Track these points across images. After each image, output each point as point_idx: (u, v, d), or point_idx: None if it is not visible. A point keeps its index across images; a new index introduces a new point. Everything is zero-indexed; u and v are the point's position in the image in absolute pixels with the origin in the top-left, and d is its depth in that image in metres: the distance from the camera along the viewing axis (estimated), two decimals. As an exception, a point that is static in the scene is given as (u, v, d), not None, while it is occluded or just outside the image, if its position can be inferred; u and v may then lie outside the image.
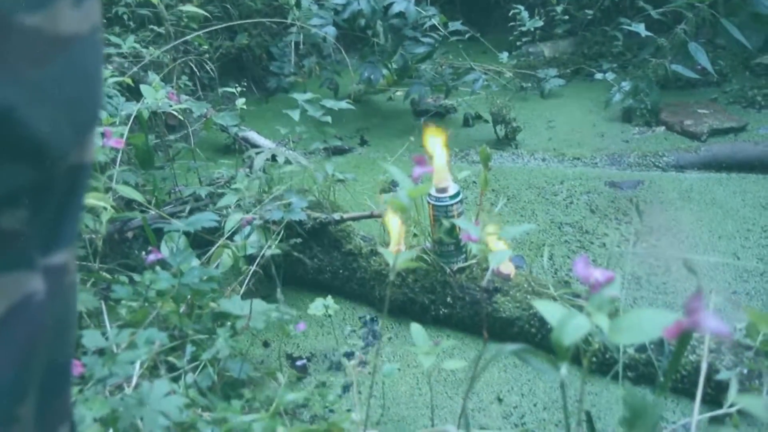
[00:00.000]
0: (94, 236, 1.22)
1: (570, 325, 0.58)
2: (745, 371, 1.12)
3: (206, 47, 2.34)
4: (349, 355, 1.36)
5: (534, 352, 0.65)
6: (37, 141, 0.31)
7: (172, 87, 1.88)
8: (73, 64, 0.34)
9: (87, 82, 0.36)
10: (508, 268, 1.36)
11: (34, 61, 0.31)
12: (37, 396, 0.35)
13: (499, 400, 1.22)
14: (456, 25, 2.51)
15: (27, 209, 0.32)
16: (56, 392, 0.38)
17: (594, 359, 1.24)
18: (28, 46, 0.30)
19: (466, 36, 2.56)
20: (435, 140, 1.25)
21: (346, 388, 1.28)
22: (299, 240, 1.44)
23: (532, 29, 2.90)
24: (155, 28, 2.35)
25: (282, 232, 1.41)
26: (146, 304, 1.11)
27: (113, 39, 2.02)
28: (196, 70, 2.39)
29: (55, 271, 0.36)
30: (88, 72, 0.36)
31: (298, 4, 2.56)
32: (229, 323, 1.13)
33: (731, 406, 0.86)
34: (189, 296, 1.14)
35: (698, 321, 0.41)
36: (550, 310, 0.62)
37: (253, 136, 2.25)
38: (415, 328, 0.91)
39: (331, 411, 1.19)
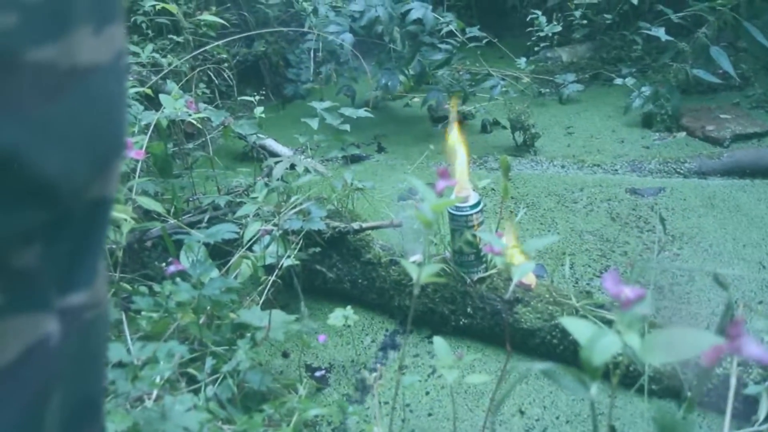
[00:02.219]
0: (114, 247, 1.22)
1: (600, 343, 0.57)
2: (775, 385, 1.09)
3: (224, 55, 2.34)
4: (369, 367, 1.35)
5: (561, 368, 0.64)
6: (47, 181, 0.29)
7: (191, 95, 1.89)
8: (91, 96, 0.32)
9: (108, 113, 0.34)
10: (529, 278, 1.34)
11: (44, 96, 0.29)
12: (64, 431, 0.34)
13: (521, 412, 1.21)
14: (473, 31, 2.49)
15: (41, 247, 0.31)
16: (85, 425, 0.37)
17: (617, 371, 1.22)
18: (38, 82, 0.28)
19: (484, 41, 2.55)
20: (457, 150, 1.25)
21: (366, 400, 1.27)
22: (318, 249, 1.44)
23: (550, 34, 2.88)
24: (174, 36, 2.36)
25: (301, 241, 1.41)
26: (166, 315, 1.11)
27: (132, 48, 2.03)
28: (214, 78, 2.40)
29: (72, 312, 0.34)
30: (110, 102, 0.34)
31: (315, 12, 2.57)
32: (248, 334, 1.12)
33: (763, 422, 0.84)
34: (209, 307, 1.14)
35: (739, 347, 0.39)
36: (578, 328, 0.61)
37: (270, 143, 2.25)
38: (438, 341, 0.90)
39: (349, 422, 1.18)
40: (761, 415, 0.87)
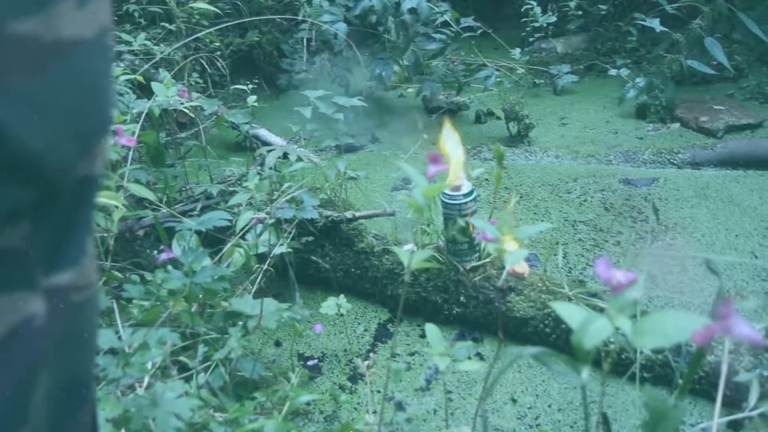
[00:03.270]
0: (105, 235, 1.22)
1: (591, 328, 0.57)
2: (765, 373, 1.09)
3: (217, 44, 2.33)
4: (362, 355, 1.35)
5: (552, 354, 0.64)
6: (32, 158, 0.29)
7: (183, 84, 1.87)
8: (75, 71, 0.31)
9: (93, 89, 0.33)
10: (522, 267, 1.34)
11: (27, 71, 0.28)
12: (52, 415, 0.34)
13: (513, 400, 1.21)
14: (468, 21, 2.49)
15: (28, 225, 0.30)
16: (75, 408, 0.36)
17: (609, 359, 1.22)
18: (20, 56, 0.28)
19: (478, 32, 2.54)
20: (450, 138, 1.24)
21: (358, 388, 1.27)
22: (311, 238, 1.43)
23: (545, 25, 2.87)
24: (166, 25, 2.34)
25: (294, 230, 1.40)
26: (158, 303, 1.10)
27: (124, 36, 2.01)
28: (207, 67, 2.38)
29: (58, 292, 0.33)
30: (94, 78, 0.33)
31: (308, 1, 2.55)
32: (240, 323, 1.12)
33: (753, 409, 0.85)
34: (201, 295, 1.13)
35: (729, 327, 0.39)
36: (569, 313, 0.61)
37: (263, 133, 2.24)
38: (431, 329, 0.90)
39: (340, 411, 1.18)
40: (751, 402, 0.87)
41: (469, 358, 1.31)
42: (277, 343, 1.39)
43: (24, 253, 0.31)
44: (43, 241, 0.32)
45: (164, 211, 1.46)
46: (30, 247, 0.31)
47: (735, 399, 1.05)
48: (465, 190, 1.29)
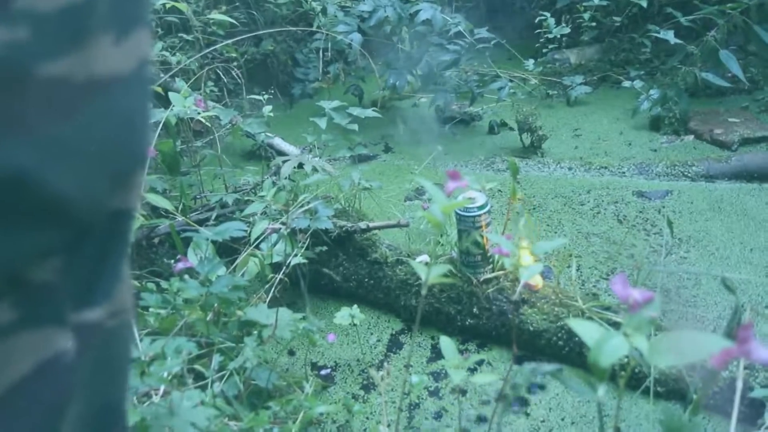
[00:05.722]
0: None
1: (608, 346, 0.57)
2: (781, 389, 1.09)
3: (233, 54, 2.35)
4: (375, 365, 1.35)
5: (567, 369, 0.64)
6: (62, 200, 0.28)
7: (200, 94, 1.89)
8: (110, 108, 0.30)
9: (129, 124, 0.32)
10: (535, 280, 1.34)
11: (57, 113, 0.27)
12: None
13: (527, 414, 1.21)
14: (482, 32, 2.49)
15: (60, 260, 0.30)
16: (108, 429, 0.37)
17: (623, 372, 1.22)
18: (50, 98, 0.26)
19: (492, 43, 2.55)
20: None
21: (371, 398, 1.27)
22: (325, 248, 1.44)
23: (559, 36, 2.88)
24: (183, 35, 2.37)
25: (308, 240, 1.41)
26: (174, 312, 1.12)
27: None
28: (222, 76, 2.41)
29: (89, 328, 0.32)
30: (131, 113, 0.32)
31: (323, 11, 2.57)
32: (255, 332, 1.13)
33: (769, 427, 0.84)
34: (216, 304, 1.14)
35: (748, 351, 0.39)
36: (586, 330, 0.61)
37: (278, 142, 2.26)
38: (445, 341, 0.90)
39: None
40: (767, 418, 0.87)
41: (478, 366, 1.31)
42: (291, 353, 1.40)
43: (55, 287, 0.30)
44: (76, 275, 0.31)
45: (180, 219, 1.48)
46: (62, 282, 0.30)
47: (750, 415, 1.04)
48: (479, 202, 1.30)
